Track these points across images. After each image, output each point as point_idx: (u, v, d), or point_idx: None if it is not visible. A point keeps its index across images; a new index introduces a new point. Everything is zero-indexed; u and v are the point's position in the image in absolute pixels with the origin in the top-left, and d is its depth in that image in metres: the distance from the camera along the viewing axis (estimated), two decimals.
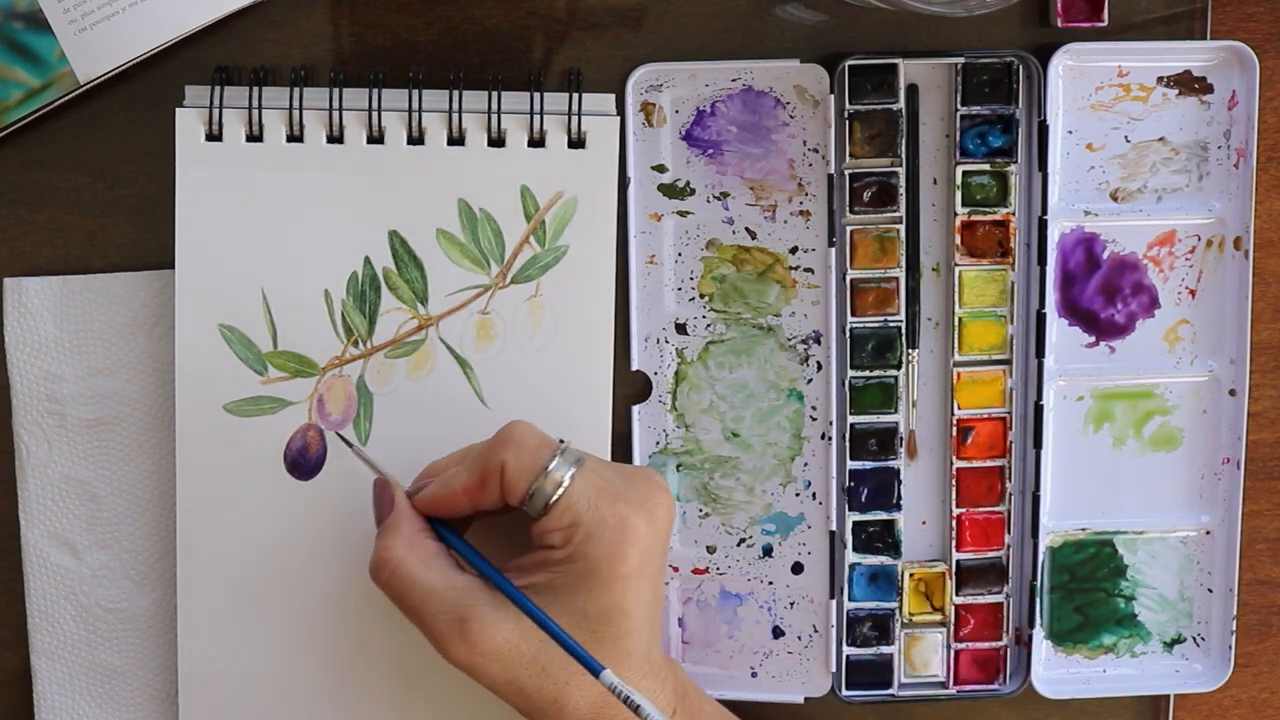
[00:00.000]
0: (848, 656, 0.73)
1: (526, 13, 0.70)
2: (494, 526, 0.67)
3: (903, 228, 0.71)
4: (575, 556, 0.62)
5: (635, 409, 0.72)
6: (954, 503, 0.72)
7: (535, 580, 0.62)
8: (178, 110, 0.68)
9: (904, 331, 0.71)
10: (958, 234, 0.71)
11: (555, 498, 0.62)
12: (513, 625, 0.62)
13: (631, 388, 0.72)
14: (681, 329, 0.72)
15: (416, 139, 0.69)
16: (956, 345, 0.72)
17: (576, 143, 0.69)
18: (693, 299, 0.72)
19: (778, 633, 0.73)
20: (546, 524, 0.62)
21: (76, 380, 0.70)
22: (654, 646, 0.64)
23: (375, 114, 0.68)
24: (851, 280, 0.71)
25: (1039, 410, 0.72)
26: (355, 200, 0.69)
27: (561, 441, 0.63)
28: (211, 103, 0.68)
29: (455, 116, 0.68)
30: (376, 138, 0.69)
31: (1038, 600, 0.73)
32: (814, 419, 0.72)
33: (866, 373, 0.72)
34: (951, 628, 0.73)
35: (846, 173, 0.70)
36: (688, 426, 0.72)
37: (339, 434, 0.69)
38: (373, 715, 0.71)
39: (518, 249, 0.69)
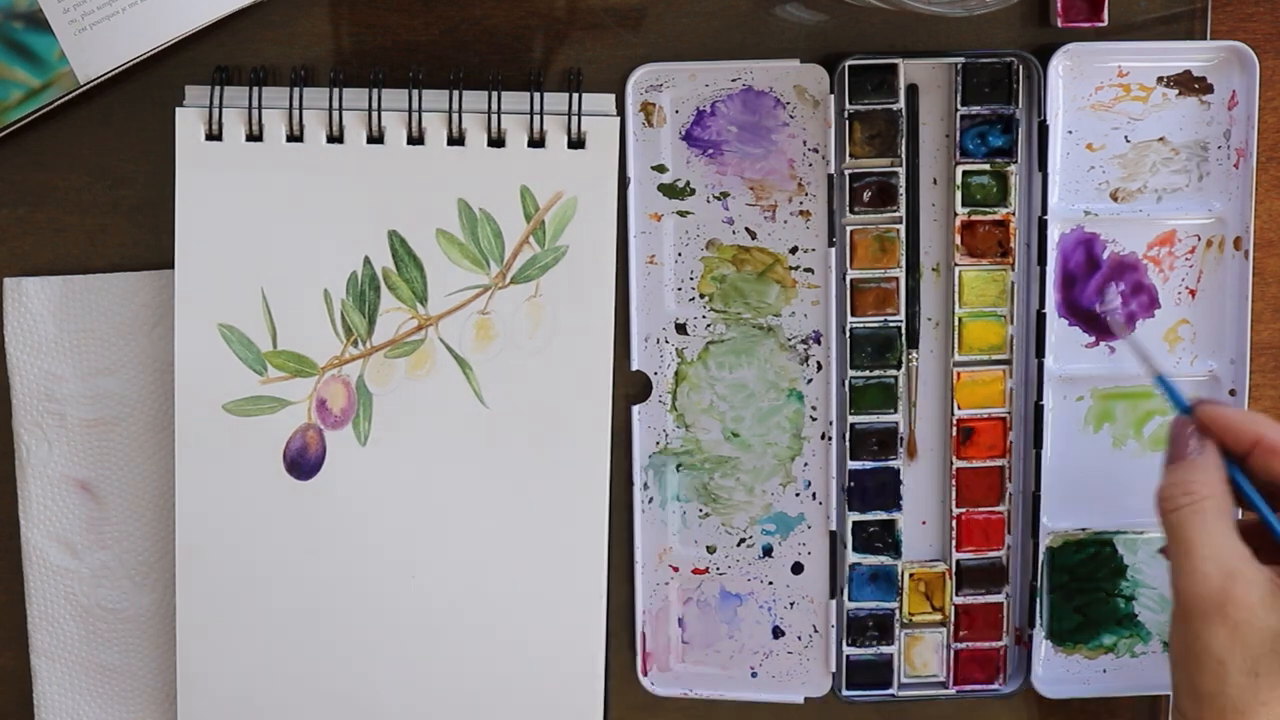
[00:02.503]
0: (848, 656, 0.73)
1: (526, 13, 0.70)
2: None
3: (903, 228, 0.71)
4: None
5: (635, 409, 0.72)
6: (954, 503, 0.72)
7: None
8: (178, 110, 0.68)
9: (904, 331, 0.71)
10: (958, 234, 0.71)
11: None
12: (1268, 613, 0.59)
13: (631, 388, 0.72)
14: (681, 329, 0.72)
15: (416, 139, 0.69)
16: (956, 345, 0.72)
17: (576, 143, 0.69)
18: (693, 299, 0.72)
19: (778, 633, 0.73)
20: None
21: (76, 380, 0.70)
22: None
23: (375, 114, 0.68)
24: (851, 280, 0.71)
25: (1039, 410, 0.72)
26: (355, 200, 0.69)
27: None
28: (211, 102, 0.68)
29: (455, 116, 0.68)
30: (376, 138, 0.68)
31: (1038, 600, 0.73)
32: (814, 419, 0.72)
33: (866, 373, 0.72)
34: (951, 628, 0.73)
35: (846, 173, 0.70)
36: (688, 426, 0.72)
37: (1128, 336, 0.67)
38: (372, 714, 0.71)
39: (517, 249, 0.69)
